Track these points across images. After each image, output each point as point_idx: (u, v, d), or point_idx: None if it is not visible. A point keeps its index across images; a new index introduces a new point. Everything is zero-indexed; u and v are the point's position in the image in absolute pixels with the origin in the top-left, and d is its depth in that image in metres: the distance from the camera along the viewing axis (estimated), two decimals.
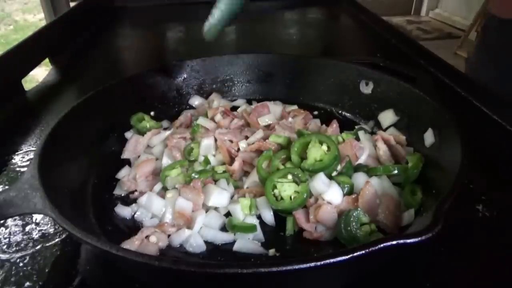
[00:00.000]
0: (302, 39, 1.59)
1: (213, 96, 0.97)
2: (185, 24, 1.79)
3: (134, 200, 0.68)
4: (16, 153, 0.84)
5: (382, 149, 0.72)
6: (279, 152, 0.70)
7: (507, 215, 0.65)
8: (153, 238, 0.58)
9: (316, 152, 0.66)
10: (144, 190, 0.69)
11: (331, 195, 0.62)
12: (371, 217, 0.60)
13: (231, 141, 0.75)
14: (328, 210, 0.60)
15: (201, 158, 0.74)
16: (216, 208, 0.66)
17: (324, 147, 0.67)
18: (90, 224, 0.62)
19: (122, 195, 0.71)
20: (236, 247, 0.60)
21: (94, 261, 0.57)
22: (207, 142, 0.75)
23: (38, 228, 0.64)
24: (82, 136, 0.73)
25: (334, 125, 0.79)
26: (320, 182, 0.63)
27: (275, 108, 0.88)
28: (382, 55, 1.28)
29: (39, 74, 1.95)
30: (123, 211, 0.66)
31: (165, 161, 0.73)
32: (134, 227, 0.64)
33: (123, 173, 0.74)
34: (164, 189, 0.69)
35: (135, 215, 0.66)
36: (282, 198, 0.63)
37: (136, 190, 0.70)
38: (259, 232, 0.62)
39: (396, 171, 0.67)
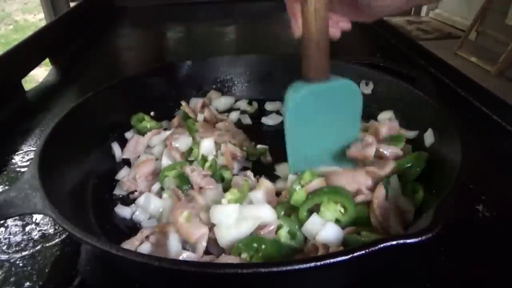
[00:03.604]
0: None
1: (212, 93, 0.97)
2: (185, 24, 1.79)
3: (134, 200, 0.68)
4: (16, 153, 0.84)
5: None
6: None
7: (507, 215, 0.65)
8: (152, 238, 0.58)
9: (331, 215, 0.58)
10: (143, 190, 0.69)
11: (326, 235, 0.54)
12: (382, 222, 0.57)
13: (234, 144, 0.76)
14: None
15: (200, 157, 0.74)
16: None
17: (339, 208, 0.59)
18: (90, 224, 0.62)
19: (122, 195, 0.71)
20: None
21: (94, 261, 0.57)
22: (207, 143, 0.75)
23: (38, 228, 0.64)
24: (82, 136, 0.73)
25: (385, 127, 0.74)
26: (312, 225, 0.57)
27: None
28: (382, 55, 1.28)
29: (39, 74, 1.96)
30: (123, 211, 0.66)
31: (165, 161, 0.73)
32: (134, 227, 0.64)
33: (123, 174, 0.74)
34: (163, 189, 0.69)
35: (134, 215, 0.65)
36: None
37: (136, 190, 0.70)
38: None
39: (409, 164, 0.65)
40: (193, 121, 0.83)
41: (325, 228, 0.55)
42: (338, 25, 0.61)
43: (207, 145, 0.75)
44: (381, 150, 0.68)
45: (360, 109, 0.66)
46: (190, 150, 0.75)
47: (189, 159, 0.74)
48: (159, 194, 0.68)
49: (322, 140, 0.67)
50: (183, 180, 0.67)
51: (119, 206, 0.67)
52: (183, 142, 0.76)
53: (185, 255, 0.54)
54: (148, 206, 0.65)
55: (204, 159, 0.72)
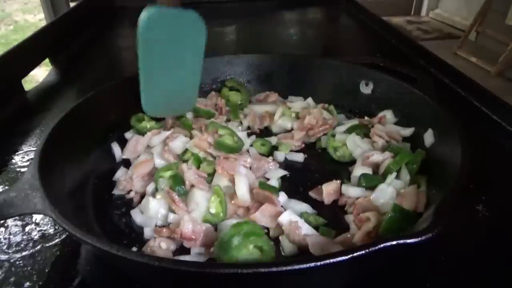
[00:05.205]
0: (302, 39, 1.59)
1: (212, 94, 0.97)
2: None
3: (131, 200, 0.68)
4: (16, 153, 0.84)
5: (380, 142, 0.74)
6: None
7: (507, 215, 0.65)
8: (163, 245, 0.58)
9: None
10: (139, 190, 0.69)
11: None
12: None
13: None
14: None
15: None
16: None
17: None
18: (90, 224, 0.62)
19: (120, 194, 0.70)
20: None
21: (94, 261, 0.57)
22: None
23: (38, 228, 0.64)
24: (82, 136, 0.73)
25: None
26: None
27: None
28: (382, 55, 1.28)
29: (39, 74, 1.95)
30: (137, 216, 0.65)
31: (158, 162, 0.73)
32: (134, 227, 0.64)
33: (120, 174, 0.74)
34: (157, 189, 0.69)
35: (133, 217, 0.65)
36: None
37: (131, 190, 0.70)
38: None
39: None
40: (186, 118, 0.83)
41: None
42: None
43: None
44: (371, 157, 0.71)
45: (202, 44, 0.67)
46: (185, 150, 0.75)
47: (184, 158, 0.74)
48: (153, 194, 0.68)
49: (171, 76, 0.68)
50: (177, 181, 0.67)
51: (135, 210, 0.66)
52: (177, 143, 0.76)
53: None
54: (146, 209, 0.64)
55: (198, 159, 0.73)
